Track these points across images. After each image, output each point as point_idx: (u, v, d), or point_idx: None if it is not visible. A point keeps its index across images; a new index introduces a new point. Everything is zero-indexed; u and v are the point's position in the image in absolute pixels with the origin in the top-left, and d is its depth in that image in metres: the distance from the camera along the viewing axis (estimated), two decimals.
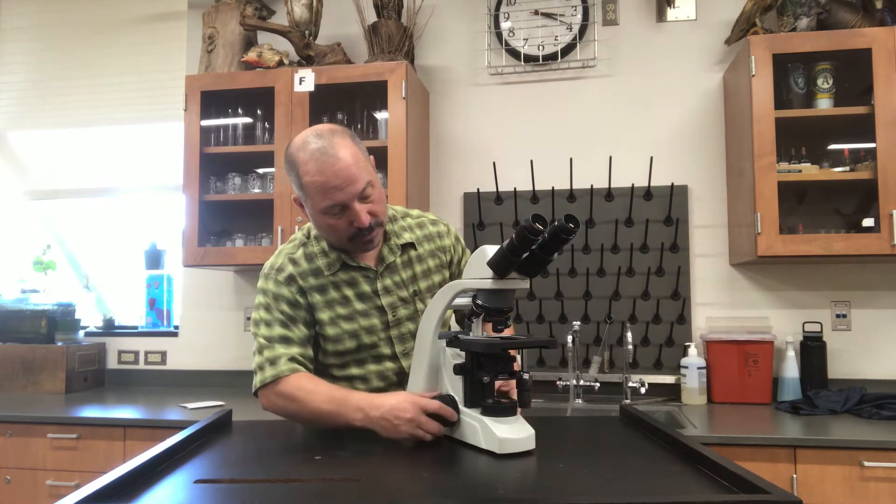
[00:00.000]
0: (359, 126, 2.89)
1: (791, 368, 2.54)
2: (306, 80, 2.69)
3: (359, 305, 1.49)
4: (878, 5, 2.47)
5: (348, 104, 2.88)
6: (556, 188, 2.84)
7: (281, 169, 2.69)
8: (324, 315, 1.47)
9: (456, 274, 1.62)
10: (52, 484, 2.42)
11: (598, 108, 2.90)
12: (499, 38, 2.97)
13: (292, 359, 1.43)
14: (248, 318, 3.10)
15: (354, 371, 1.50)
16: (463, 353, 1.29)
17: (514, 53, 2.95)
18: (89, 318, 3.32)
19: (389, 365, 1.51)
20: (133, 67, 3.33)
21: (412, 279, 1.53)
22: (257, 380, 1.44)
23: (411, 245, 1.55)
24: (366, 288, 1.49)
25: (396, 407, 1.26)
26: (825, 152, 2.59)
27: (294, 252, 1.51)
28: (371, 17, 2.89)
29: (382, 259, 1.51)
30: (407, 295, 1.51)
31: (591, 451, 1.25)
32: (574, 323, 2.62)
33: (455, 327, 1.61)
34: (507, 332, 1.38)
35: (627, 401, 2.61)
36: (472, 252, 1.29)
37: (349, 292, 1.49)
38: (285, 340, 1.45)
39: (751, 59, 2.39)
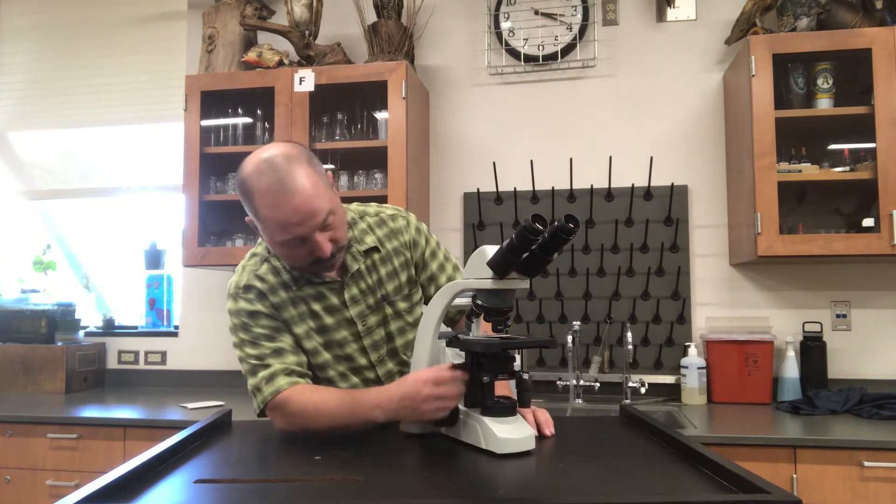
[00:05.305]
0: (359, 126, 2.89)
1: (791, 368, 2.54)
2: (306, 80, 2.69)
3: (328, 319, 1.45)
4: (878, 5, 2.47)
5: (348, 104, 2.88)
6: (556, 188, 2.84)
7: None
8: (299, 329, 1.44)
9: (420, 266, 1.55)
10: (52, 484, 2.43)
11: (598, 108, 2.90)
12: (499, 38, 2.97)
13: (289, 372, 1.38)
14: None
15: (342, 387, 1.47)
16: (462, 353, 1.29)
17: (514, 53, 2.95)
18: (89, 318, 3.32)
19: (369, 375, 1.49)
20: (133, 67, 3.33)
21: (378, 283, 1.49)
22: (258, 402, 1.39)
23: (374, 248, 1.50)
24: (333, 300, 1.45)
25: (408, 394, 1.25)
26: (825, 152, 2.59)
27: (258, 268, 1.46)
28: (371, 17, 2.89)
29: (346, 269, 1.46)
30: (374, 302, 1.48)
31: (591, 451, 1.25)
32: (574, 323, 2.63)
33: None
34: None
35: (627, 401, 2.61)
36: (472, 253, 1.29)
37: (317, 306, 1.44)
38: (278, 353, 1.40)
39: (751, 59, 2.39)
